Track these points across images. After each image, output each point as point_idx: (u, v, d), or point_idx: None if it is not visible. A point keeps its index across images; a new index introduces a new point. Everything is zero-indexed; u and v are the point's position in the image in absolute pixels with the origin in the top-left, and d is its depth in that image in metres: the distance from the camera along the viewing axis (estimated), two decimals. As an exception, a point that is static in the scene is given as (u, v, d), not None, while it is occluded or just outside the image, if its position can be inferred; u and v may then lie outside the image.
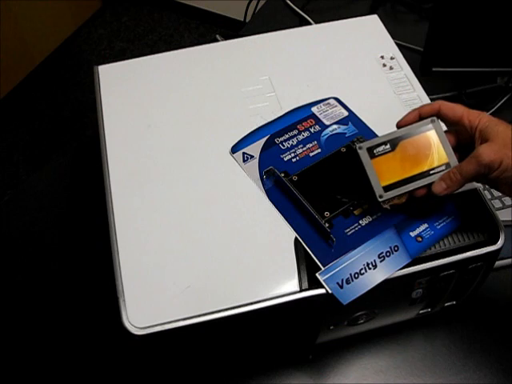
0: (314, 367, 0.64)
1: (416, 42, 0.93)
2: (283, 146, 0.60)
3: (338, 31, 0.74)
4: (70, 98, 2.07)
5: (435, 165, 0.51)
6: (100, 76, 0.69)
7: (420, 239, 0.52)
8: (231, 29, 2.17)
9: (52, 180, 0.82)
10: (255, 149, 0.60)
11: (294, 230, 0.53)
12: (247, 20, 1.13)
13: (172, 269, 0.51)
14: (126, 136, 0.62)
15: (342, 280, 0.50)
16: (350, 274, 0.50)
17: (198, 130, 0.62)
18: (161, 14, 2.39)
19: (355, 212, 0.54)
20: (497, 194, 0.74)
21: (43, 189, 0.81)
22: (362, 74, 0.68)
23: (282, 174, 0.56)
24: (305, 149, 0.59)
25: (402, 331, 0.66)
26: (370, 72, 0.68)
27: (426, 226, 0.53)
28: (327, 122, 0.62)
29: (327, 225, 0.52)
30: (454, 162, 0.51)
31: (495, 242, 0.53)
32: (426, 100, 0.64)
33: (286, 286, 0.50)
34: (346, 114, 0.63)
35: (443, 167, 0.51)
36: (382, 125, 0.61)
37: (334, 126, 0.61)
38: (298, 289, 0.50)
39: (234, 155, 0.59)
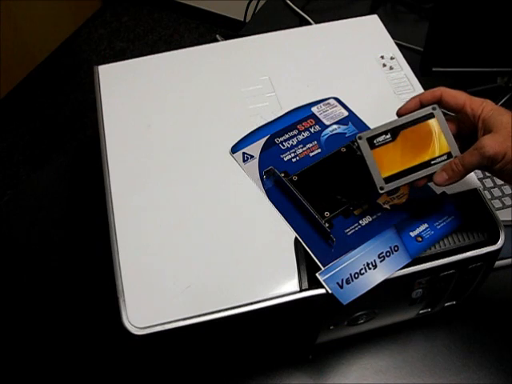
0: (314, 367, 0.64)
1: (416, 42, 0.93)
2: (283, 146, 0.60)
3: (338, 31, 0.74)
4: (70, 97, 2.07)
5: (436, 154, 0.51)
6: (100, 76, 0.69)
7: (420, 239, 0.52)
8: (231, 29, 2.18)
9: (52, 180, 0.82)
10: (255, 149, 0.60)
11: (294, 230, 0.53)
12: (247, 20, 1.13)
13: (172, 269, 0.51)
14: (126, 136, 0.62)
15: (342, 280, 0.50)
16: (350, 274, 0.50)
17: (198, 130, 0.62)
18: (161, 14, 2.39)
19: (355, 212, 0.54)
20: (497, 194, 0.74)
21: (43, 189, 0.81)
22: (362, 74, 0.68)
23: (282, 174, 0.56)
24: (305, 149, 0.59)
25: (402, 331, 0.66)
26: (369, 72, 0.68)
27: (425, 226, 0.53)
28: (327, 122, 0.62)
29: (327, 225, 0.52)
30: (456, 151, 0.50)
31: (495, 242, 0.53)
32: (426, 100, 0.64)
33: (286, 286, 0.50)
34: (346, 113, 0.63)
35: (445, 157, 0.50)
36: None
37: (334, 126, 0.61)
38: (298, 289, 0.50)
39: (233, 155, 0.59)
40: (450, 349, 0.65)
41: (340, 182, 0.56)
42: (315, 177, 0.56)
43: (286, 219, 0.54)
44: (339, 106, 0.63)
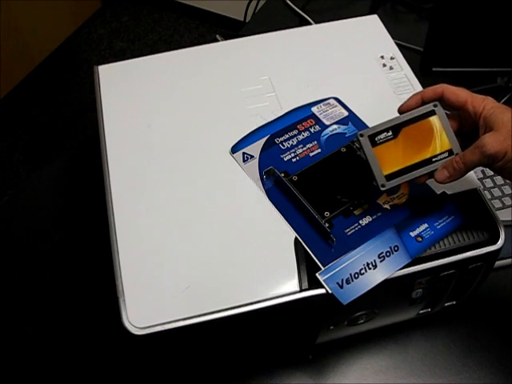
0: (314, 367, 0.64)
1: (416, 42, 0.93)
2: (283, 146, 0.60)
3: (338, 31, 0.74)
4: (70, 97, 2.07)
5: (438, 152, 0.51)
6: (100, 76, 0.68)
7: (420, 239, 0.52)
8: (231, 29, 2.18)
9: (52, 180, 0.82)
10: (255, 149, 0.60)
11: (294, 230, 0.53)
12: (247, 20, 1.13)
13: (172, 269, 0.51)
14: (126, 136, 0.62)
15: (342, 280, 0.50)
16: (350, 274, 0.50)
17: (198, 130, 0.62)
18: (161, 14, 2.39)
19: (355, 212, 0.54)
20: (497, 194, 0.74)
21: (43, 189, 0.81)
22: (362, 74, 0.68)
23: (282, 174, 0.56)
24: (305, 149, 0.59)
25: (402, 331, 0.66)
26: (369, 72, 0.68)
27: (425, 226, 0.53)
28: (327, 122, 0.62)
29: (327, 225, 0.52)
30: (457, 148, 0.51)
31: (495, 242, 0.53)
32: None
33: (286, 286, 0.50)
34: (346, 113, 0.63)
35: (446, 154, 0.51)
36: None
37: (334, 126, 0.61)
38: (298, 289, 0.50)
39: (233, 155, 0.59)
40: (450, 349, 0.65)
41: (340, 182, 0.56)
42: (315, 177, 0.56)
43: (286, 219, 0.54)
44: (339, 106, 0.63)
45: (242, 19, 1.17)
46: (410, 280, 0.53)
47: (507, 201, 0.74)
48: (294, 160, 0.58)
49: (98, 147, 0.61)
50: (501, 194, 0.74)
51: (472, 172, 0.53)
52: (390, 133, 0.51)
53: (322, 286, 0.49)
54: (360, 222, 0.53)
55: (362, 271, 0.50)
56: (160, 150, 0.60)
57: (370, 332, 0.62)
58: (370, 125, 0.61)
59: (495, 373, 0.63)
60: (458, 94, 0.51)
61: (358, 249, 0.51)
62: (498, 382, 0.63)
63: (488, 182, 0.75)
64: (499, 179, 0.75)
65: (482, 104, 0.49)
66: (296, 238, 0.52)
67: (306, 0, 1.10)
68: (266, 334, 0.56)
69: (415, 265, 0.52)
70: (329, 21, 0.75)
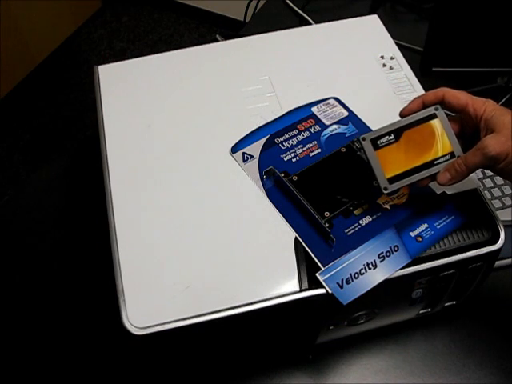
0: (314, 367, 0.64)
1: (416, 42, 0.93)
2: (283, 146, 0.60)
3: (338, 31, 0.74)
4: (70, 97, 2.07)
5: (440, 154, 0.51)
6: (100, 76, 0.69)
7: (420, 239, 0.52)
8: (231, 29, 2.18)
9: (52, 180, 0.82)
10: (255, 149, 0.60)
11: (294, 230, 0.53)
12: (247, 20, 1.13)
13: (172, 269, 0.51)
14: (126, 136, 0.62)
15: (342, 280, 0.50)
16: (350, 274, 0.50)
17: (198, 130, 0.62)
18: (161, 14, 2.39)
19: (355, 212, 0.54)
20: (497, 194, 0.74)
21: (43, 189, 0.81)
22: (362, 74, 0.68)
23: (282, 174, 0.56)
24: (305, 149, 0.59)
25: (402, 331, 0.66)
26: (369, 72, 0.68)
27: (425, 226, 0.53)
28: (327, 122, 0.62)
29: (327, 225, 0.52)
30: (459, 151, 0.51)
31: (495, 242, 0.53)
32: (426, 100, 0.64)
33: (286, 286, 0.50)
34: (346, 113, 0.63)
35: (447, 157, 0.51)
36: (382, 125, 0.61)
37: (334, 126, 0.61)
38: (298, 289, 0.50)
39: (233, 155, 0.59)
40: (450, 349, 0.65)
41: (340, 182, 0.56)
42: (315, 177, 0.56)
43: (286, 219, 0.54)
44: (339, 106, 0.63)
45: (242, 19, 1.17)
46: (409, 280, 0.53)
47: (507, 201, 0.74)
48: (294, 160, 0.58)
49: (98, 147, 0.61)
50: (501, 194, 0.74)
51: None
52: (392, 136, 0.52)
53: (322, 286, 0.49)
54: (360, 221, 0.53)
55: (362, 271, 0.50)
56: (160, 150, 0.60)
57: (370, 332, 0.62)
58: (369, 125, 0.61)
59: (495, 373, 0.63)
60: (458, 96, 0.51)
61: (357, 249, 0.51)
62: (498, 382, 0.63)
63: (488, 182, 0.75)
64: (499, 179, 0.75)
65: (483, 106, 0.49)
66: (296, 238, 0.52)
67: (306, 0, 1.10)
68: (266, 334, 0.56)
69: (415, 265, 0.52)
70: (329, 21, 0.75)
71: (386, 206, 0.54)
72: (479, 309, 0.68)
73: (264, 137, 0.61)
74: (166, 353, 0.53)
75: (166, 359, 0.54)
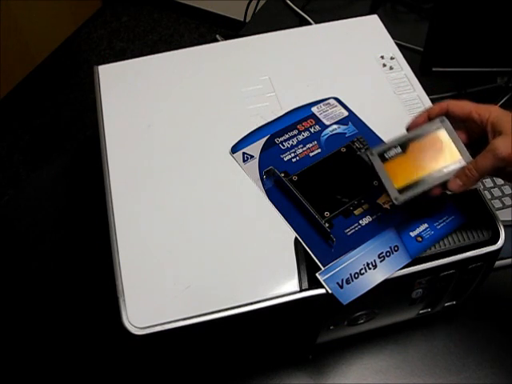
0: (314, 367, 0.64)
1: (416, 42, 0.93)
2: (283, 146, 0.60)
3: (338, 31, 0.74)
4: (70, 97, 2.07)
5: (448, 162, 0.51)
6: (100, 76, 0.69)
7: (420, 239, 0.52)
8: (231, 29, 2.18)
9: (52, 180, 0.82)
10: (255, 149, 0.60)
11: (294, 230, 0.53)
12: (247, 20, 1.13)
13: (172, 269, 0.51)
14: (126, 136, 0.62)
15: (342, 280, 0.50)
16: (350, 274, 0.50)
17: (198, 130, 0.62)
18: (161, 14, 2.39)
19: (355, 212, 0.54)
20: (497, 194, 0.74)
21: (43, 189, 0.81)
22: (362, 74, 0.68)
23: (282, 174, 0.56)
24: (305, 149, 0.59)
25: (402, 331, 0.66)
26: (370, 72, 0.68)
27: (425, 225, 0.53)
28: (327, 122, 0.62)
29: (327, 225, 0.52)
30: (468, 157, 0.51)
31: (495, 242, 0.53)
32: (426, 100, 0.64)
33: (286, 286, 0.50)
34: (346, 113, 0.63)
35: (457, 164, 0.51)
36: (382, 125, 0.61)
37: (334, 126, 0.61)
38: (298, 289, 0.50)
39: (233, 155, 0.59)
40: (450, 349, 0.65)
41: (340, 182, 0.56)
42: (315, 177, 0.56)
43: (286, 219, 0.54)
44: (339, 106, 0.63)
45: (242, 19, 1.17)
46: (409, 280, 0.53)
47: (507, 201, 0.74)
48: (294, 160, 0.58)
49: (98, 147, 0.61)
50: (501, 194, 0.74)
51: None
52: (399, 149, 0.52)
53: (322, 286, 0.49)
54: (360, 221, 0.53)
55: (362, 271, 0.50)
56: (160, 150, 0.60)
57: (370, 332, 0.62)
58: (369, 125, 0.61)
59: (495, 373, 0.63)
60: (462, 105, 0.52)
61: (357, 249, 0.51)
62: (498, 382, 0.63)
63: (488, 182, 0.75)
64: (499, 179, 0.75)
65: (488, 111, 0.50)
66: (296, 238, 0.52)
67: (306, 0, 1.10)
68: (266, 334, 0.56)
69: (415, 265, 0.52)
70: (329, 21, 0.75)
71: (386, 206, 0.54)
72: (479, 309, 0.68)
73: (264, 137, 0.61)
74: (165, 353, 0.53)
75: (166, 359, 0.54)
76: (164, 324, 0.48)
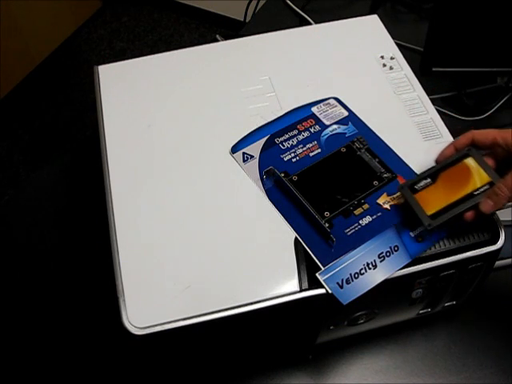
0: (314, 367, 0.64)
1: (416, 42, 0.93)
2: (283, 145, 0.60)
3: (338, 31, 0.74)
4: (70, 97, 2.07)
5: (478, 185, 0.52)
6: (100, 76, 0.69)
7: (420, 239, 0.52)
8: (231, 29, 2.18)
9: (52, 180, 0.82)
10: (255, 149, 0.60)
11: (294, 230, 0.53)
12: (247, 20, 1.13)
13: (172, 269, 0.51)
14: (126, 136, 0.62)
15: (342, 280, 0.50)
16: (350, 274, 0.50)
17: (198, 130, 0.62)
18: (161, 14, 2.39)
19: (355, 212, 0.54)
20: (497, 193, 0.74)
21: (43, 189, 0.81)
22: (362, 74, 0.68)
23: (282, 174, 0.56)
24: (305, 149, 0.59)
25: (402, 331, 0.66)
26: (370, 72, 0.68)
27: (426, 226, 0.53)
28: (327, 122, 0.62)
29: (327, 225, 0.52)
30: (497, 178, 0.52)
31: (495, 242, 0.53)
32: (426, 100, 0.64)
33: (286, 286, 0.50)
34: (346, 113, 0.63)
35: (487, 186, 0.52)
36: (382, 125, 0.61)
37: (334, 126, 0.61)
38: (298, 289, 0.50)
39: (233, 155, 0.59)
40: (450, 349, 0.65)
41: (340, 182, 0.56)
42: (315, 177, 0.56)
43: (286, 219, 0.54)
44: (339, 106, 0.63)
45: (242, 19, 1.17)
46: (409, 280, 0.53)
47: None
48: (294, 160, 0.58)
49: (98, 147, 0.61)
50: (501, 194, 0.74)
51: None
52: (429, 180, 0.53)
53: (322, 286, 0.49)
54: (360, 221, 0.53)
55: (362, 271, 0.50)
56: (160, 150, 0.60)
57: (370, 332, 0.62)
58: (370, 125, 0.61)
59: (495, 373, 0.63)
60: (486, 132, 0.54)
61: (358, 249, 0.51)
62: (498, 382, 0.63)
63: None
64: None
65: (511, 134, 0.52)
66: (296, 238, 0.52)
67: (306, 0, 1.10)
68: (266, 334, 0.56)
69: (415, 265, 0.52)
70: (329, 21, 0.75)
71: (386, 206, 0.54)
72: (479, 309, 0.68)
73: (264, 137, 0.61)
74: (166, 353, 0.53)
75: (166, 359, 0.54)
76: (164, 324, 0.48)
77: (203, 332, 0.50)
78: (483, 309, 0.68)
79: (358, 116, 0.62)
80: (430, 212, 0.51)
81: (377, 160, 0.57)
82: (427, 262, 0.52)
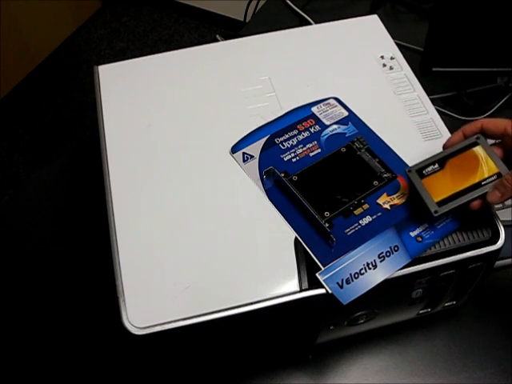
0: (314, 367, 0.64)
1: (416, 42, 0.93)
2: (283, 146, 0.60)
3: (338, 31, 0.74)
4: (70, 97, 2.07)
5: (486, 175, 0.52)
6: (100, 76, 0.69)
7: (420, 239, 0.52)
8: (231, 29, 2.18)
9: (52, 180, 0.82)
10: (255, 149, 0.60)
11: (294, 230, 0.53)
12: (247, 20, 1.13)
13: (172, 269, 0.51)
14: (126, 136, 0.62)
15: (342, 280, 0.50)
16: (350, 274, 0.50)
17: (198, 130, 0.62)
18: (161, 14, 2.39)
19: (355, 212, 0.54)
20: (497, 193, 0.74)
21: (43, 189, 0.81)
22: (362, 74, 0.68)
23: (282, 174, 0.56)
24: (305, 149, 0.59)
25: (402, 331, 0.66)
26: (370, 72, 0.68)
27: (426, 225, 0.53)
28: (327, 122, 0.62)
29: (327, 225, 0.52)
30: (505, 170, 0.51)
31: (495, 242, 0.53)
32: (426, 100, 0.64)
33: (286, 286, 0.50)
34: (346, 113, 0.63)
35: (494, 177, 0.51)
36: (382, 125, 0.61)
37: (334, 126, 0.61)
38: (298, 289, 0.50)
39: (233, 155, 0.59)
40: (450, 349, 0.65)
41: (340, 182, 0.56)
42: (315, 177, 0.56)
43: (286, 219, 0.54)
44: (339, 106, 0.63)
45: (242, 19, 1.17)
46: (409, 280, 0.53)
47: (507, 201, 0.74)
48: (294, 160, 0.58)
49: (98, 147, 0.61)
50: (501, 194, 0.74)
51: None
52: (437, 165, 0.53)
53: (322, 286, 0.49)
54: (360, 221, 0.53)
55: (362, 271, 0.50)
56: (160, 150, 0.60)
57: (370, 332, 0.62)
58: (370, 125, 0.61)
59: (495, 373, 0.63)
60: (496, 122, 0.53)
61: (358, 249, 0.51)
62: (498, 382, 0.63)
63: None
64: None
65: None
66: (296, 238, 0.52)
67: (306, 0, 1.10)
68: (266, 334, 0.56)
69: (415, 265, 0.52)
70: (329, 21, 0.75)
71: (386, 206, 0.54)
72: (479, 309, 0.68)
73: (264, 137, 0.61)
74: (166, 353, 0.53)
75: (166, 359, 0.54)
76: (164, 324, 0.48)
77: (203, 332, 0.50)
78: (483, 309, 0.68)
79: (358, 116, 0.62)
80: (437, 199, 0.51)
81: (377, 160, 0.57)
82: (427, 261, 0.52)
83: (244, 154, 0.59)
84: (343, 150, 0.59)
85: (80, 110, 2.01)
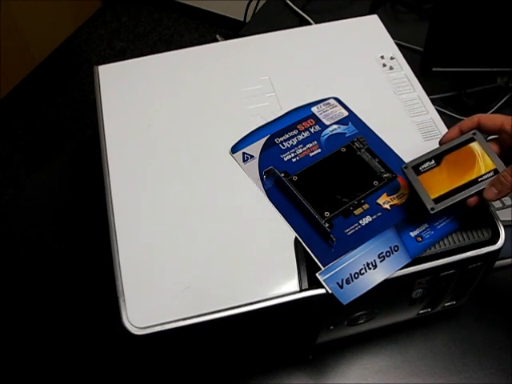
0: (314, 367, 0.64)
1: (416, 42, 0.93)
2: (283, 146, 0.60)
3: (338, 31, 0.74)
4: (70, 97, 2.07)
5: (483, 172, 0.51)
6: (100, 76, 0.69)
7: (420, 239, 0.52)
8: (231, 29, 2.18)
9: (52, 180, 0.82)
10: (255, 149, 0.60)
11: (294, 230, 0.53)
12: (247, 20, 1.13)
13: (172, 269, 0.51)
14: (126, 136, 0.62)
15: (342, 280, 0.50)
16: (350, 274, 0.50)
17: (198, 130, 0.62)
18: (161, 14, 2.39)
19: (355, 212, 0.54)
20: (497, 194, 0.74)
21: (43, 189, 0.81)
22: (362, 74, 0.68)
23: (282, 174, 0.56)
24: (305, 149, 0.59)
25: (402, 331, 0.66)
26: (370, 72, 0.68)
27: (426, 225, 0.53)
28: (327, 122, 0.62)
29: (327, 225, 0.52)
30: (502, 166, 0.51)
31: (495, 242, 0.53)
32: (426, 100, 0.64)
33: (286, 286, 0.50)
34: (346, 113, 0.63)
35: (491, 173, 0.51)
36: (382, 125, 0.61)
37: (334, 126, 0.61)
38: (298, 289, 0.50)
39: (233, 155, 0.59)
40: (450, 349, 0.65)
41: (340, 182, 0.56)
42: (315, 177, 0.56)
43: (286, 219, 0.54)
44: (339, 106, 0.63)
45: (242, 19, 1.17)
46: (410, 280, 0.53)
47: (507, 201, 0.74)
48: (294, 160, 0.58)
49: (98, 147, 0.61)
50: (501, 194, 0.74)
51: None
52: (433, 161, 0.53)
53: (322, 286, 0.49)
54: (360, 221, 0.53)
55: (362, 271, 0.50)
56: (160, 150, 0.60)
57: (370, 332, 0.62)
58: (369, 125, 0.61)
59: (495, 373, 0.63)
60: (493, 117, 0.53)
61: (358, 249, 0.51)
62: (498, 382, 0.63)
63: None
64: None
65: None
66: (296, 238, 0.52)
67: (306, 0, 1.10)
68: (266, 334, 0.56)
69: (415, 265, 0.52)
70: (329, 21, 0.75)
71: (386, 206, 0.54)
72: (479, 309, 0.68)
73: (264, 137, 0.61)
74: (166, 353, 0.53)
75: (166, 359, 0.54)
76: (164, 324, 0.48)
77: (203, 332, 0.50)
78: (483, 309, 0.68)
79: (358, 116, 0.62)
80: (433, 195, 0.51)
81: (377, 160, 0.57)
82: (427, 261, 0.52)
83: (244, 153, 0.59)
84: (343, 150, 0.59)
85: (80, 110, 2.01)
